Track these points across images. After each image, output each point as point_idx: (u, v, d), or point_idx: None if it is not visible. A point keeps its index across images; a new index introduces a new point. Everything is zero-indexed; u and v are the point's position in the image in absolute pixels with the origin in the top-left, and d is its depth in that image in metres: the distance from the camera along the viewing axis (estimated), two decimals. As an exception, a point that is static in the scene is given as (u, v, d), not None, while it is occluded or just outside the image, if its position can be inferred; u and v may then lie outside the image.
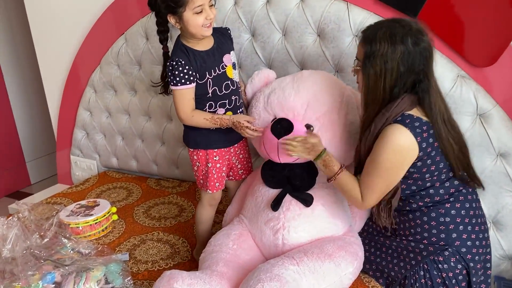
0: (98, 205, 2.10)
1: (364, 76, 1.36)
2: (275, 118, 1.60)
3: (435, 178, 1.42)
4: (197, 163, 1.69)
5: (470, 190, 1.48)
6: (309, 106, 1.56)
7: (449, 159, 1.41)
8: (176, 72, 1.53)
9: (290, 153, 1.49)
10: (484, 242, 1.46)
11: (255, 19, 1.96)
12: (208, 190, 1.70)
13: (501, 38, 1.53)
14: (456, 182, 1.45)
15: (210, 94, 1.59)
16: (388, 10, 1.70)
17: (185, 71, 1.53)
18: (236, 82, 1.66)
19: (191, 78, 1.55)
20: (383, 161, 1.36)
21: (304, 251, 1.44)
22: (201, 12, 1.49)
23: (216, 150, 1.67)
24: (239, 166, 1.78)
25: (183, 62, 1.53)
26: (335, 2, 1.79)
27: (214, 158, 1.67)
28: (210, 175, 1.68)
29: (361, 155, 1.46)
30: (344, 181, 1.45)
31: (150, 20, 2.27)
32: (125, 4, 2.36)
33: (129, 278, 1.62)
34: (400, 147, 1.34)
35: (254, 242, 1.60)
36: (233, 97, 1.65)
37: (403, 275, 1.46)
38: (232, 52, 1.67)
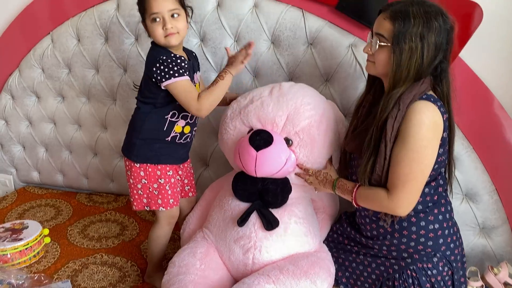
0: (26, 227, 1.85)
1: (395, 53, 1.28)
2: (251, 129, 1.52)
3: (432, 173, 1.36)
4: (143, 180, 1.54)
5: (446, 190, 1.48)
6: (289, 119, 1.48)
7: (451, 146, 1.39)
8: (170, 66, 1.40)
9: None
10: (460, 240, 1.47)
11: (205, 23, 1.86)
12: (161, 207, 1.57)
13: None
14: (441, 182, 1.43)
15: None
16: (343, 19, 1.71)
17: (179, 62, 1.42)
18: None
19: (183, 71, 1.42)
20: (420, 139, 1.27)
21: (279, 268, 1.37)
22: (159, 20, 1.41)
23: (169, 165, 1.57)
24: (186, 181, 1.71)
25: (175, 57, 1.43)
26: (290, 9, 1.76)
27: (168, 173, 1.56)
28: (163, 191, 1.55)
29: (370, 146, 1.34)
30: (364, 193, 1.38)
31: (82, 20, 2.06)
32: (50, 0, 2.12)
33: (79, 310, 1.44)
34: (434, 123, 1.28)
35: (221, 260, 1.50)
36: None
37: (380, 282, 1.45)
38: (198, 73, 1.62)
